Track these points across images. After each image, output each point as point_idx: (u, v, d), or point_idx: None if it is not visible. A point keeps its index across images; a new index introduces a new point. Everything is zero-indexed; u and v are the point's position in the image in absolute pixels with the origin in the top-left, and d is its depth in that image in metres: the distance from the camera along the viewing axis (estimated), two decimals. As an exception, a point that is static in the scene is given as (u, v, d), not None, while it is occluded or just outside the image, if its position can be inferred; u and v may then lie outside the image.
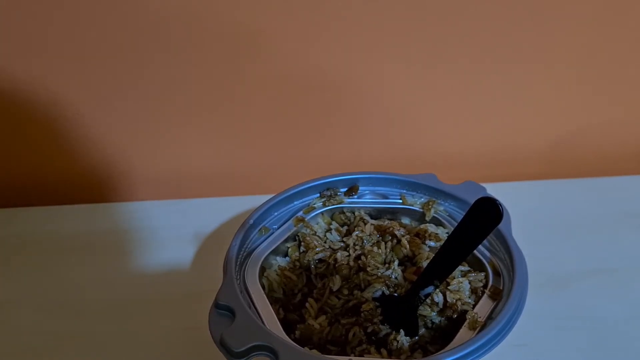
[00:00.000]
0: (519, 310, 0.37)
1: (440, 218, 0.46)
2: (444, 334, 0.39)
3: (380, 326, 0.39)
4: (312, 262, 0.43)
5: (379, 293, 0.40)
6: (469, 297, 0.40)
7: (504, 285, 0.40)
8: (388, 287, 0.41)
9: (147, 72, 0.57)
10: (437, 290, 0.39)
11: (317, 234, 0.45)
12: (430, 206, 0.46)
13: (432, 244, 0.44)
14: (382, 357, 0.37)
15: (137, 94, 0.58)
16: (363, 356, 0.37)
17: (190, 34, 0.55)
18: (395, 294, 0.41)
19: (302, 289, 0.43)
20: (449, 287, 0.40)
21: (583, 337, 0.46)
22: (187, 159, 0.65)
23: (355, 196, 0.48)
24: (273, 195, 0.45)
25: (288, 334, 0.37)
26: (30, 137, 0.61)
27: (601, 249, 0.54)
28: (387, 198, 0.48)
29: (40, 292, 0.51)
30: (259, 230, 0.44)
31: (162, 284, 0.52)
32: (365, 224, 0.45)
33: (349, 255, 0.43)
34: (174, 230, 0.58)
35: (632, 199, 0.62)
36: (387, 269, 0.41)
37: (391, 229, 0.44)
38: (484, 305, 0.39)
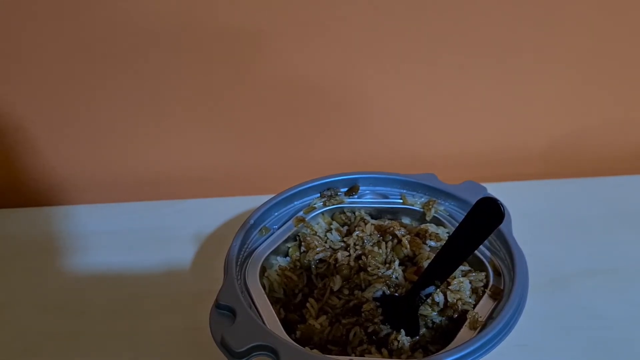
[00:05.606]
0: (520, 310, 0.37)
1: (440, 218, 0.46)
2: (444, 334, 0.39)
3: (381, 326, 0.39)
4: (312, 262, 0.43)
5: (379, 293, 0.40)
6: (470, 297, 0.40)
7: (504, 285, 0.40)
8: (389, 287, 0.41)
9: (147, 72, 0.57)
10: (438, 290, 0.39)
11: (317, 234, 0.45)
12: (430, 206, 0.46)
13: (432, 243, 0.44)
14: (383, 357, 0.37)
15: (136, 94, 0.58)
16: (364, 356, 0.37)
17: (189, 35, 0.54)
18: (396, 294, 0.41)
19: (303, 289, 0.43)
20: (449, 287, 0.40)
21: (583, 337, 0.46)
22: (187, 159, 0.65)
23: (356, 196, 0.48)
24: (273, 195, 0.45)
25: (289, 334, 0.37)
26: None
27: (601, 249, 0.54)
28: (387, 198, 0.48)
29: (41, 293, 0.51)
30: (260, 230, 0.44)
31: (162, 284, 0.52)
32: (365, 224, 0.45)
33: (350, 255, 0.43)
34: (174, 230, 0.58)
35: (632, 199, 0.62)
36: (388, 268, 0.41)
37: (392, 228, 0.44)
38: (485, 305, 0.39)
